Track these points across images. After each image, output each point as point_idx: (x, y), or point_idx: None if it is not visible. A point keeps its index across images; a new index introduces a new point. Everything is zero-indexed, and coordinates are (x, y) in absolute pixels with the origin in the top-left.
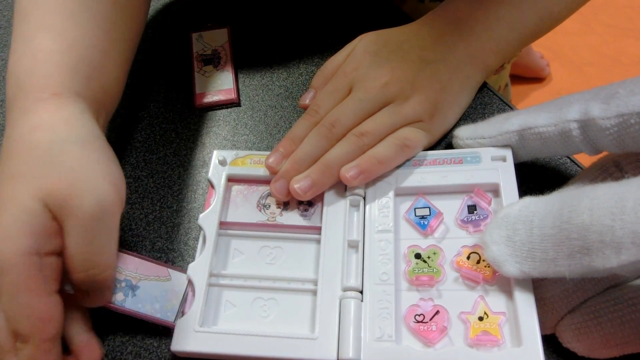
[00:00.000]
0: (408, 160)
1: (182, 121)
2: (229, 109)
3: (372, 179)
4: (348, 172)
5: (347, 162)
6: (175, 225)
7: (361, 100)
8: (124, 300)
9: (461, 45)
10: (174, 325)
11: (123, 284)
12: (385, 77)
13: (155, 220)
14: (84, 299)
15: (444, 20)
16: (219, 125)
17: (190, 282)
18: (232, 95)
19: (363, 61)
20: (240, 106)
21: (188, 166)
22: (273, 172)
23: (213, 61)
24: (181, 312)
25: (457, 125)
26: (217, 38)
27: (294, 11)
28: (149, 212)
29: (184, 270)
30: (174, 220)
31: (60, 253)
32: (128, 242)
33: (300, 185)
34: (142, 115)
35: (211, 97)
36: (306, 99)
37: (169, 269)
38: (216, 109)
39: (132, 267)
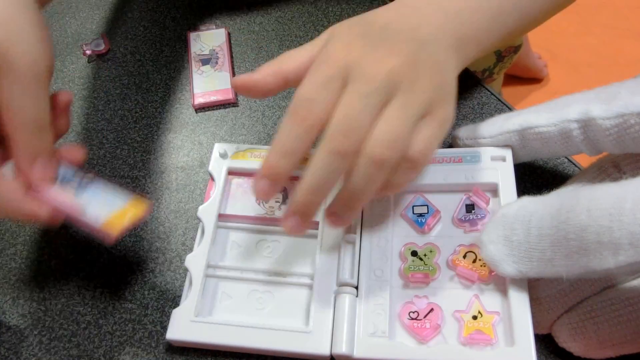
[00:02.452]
0: None
1: (179, 121)
2: (227, 109)
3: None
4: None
5: (373, 195)
6: (173, 226)
7: (367, 94)
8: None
9: (449, 28)
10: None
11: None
12: (388, 60)
13: (153, 220)
14: (29, 163)
15: (427, 1)
16: (216, 125)
17: (188, 273)
18: (230, 95)
19: (354, 44)
20: (237, 106)
21: (186, 166)
22: (266, 197)
23: (211, 61)
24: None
25: (456, 126)
26: (214, 38)
27: (292, 11)
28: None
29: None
30: (172, 221)
31: None
32: (125, 242)
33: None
34: (139, 115)
35: (209, 97)
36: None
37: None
38: (214, 109)
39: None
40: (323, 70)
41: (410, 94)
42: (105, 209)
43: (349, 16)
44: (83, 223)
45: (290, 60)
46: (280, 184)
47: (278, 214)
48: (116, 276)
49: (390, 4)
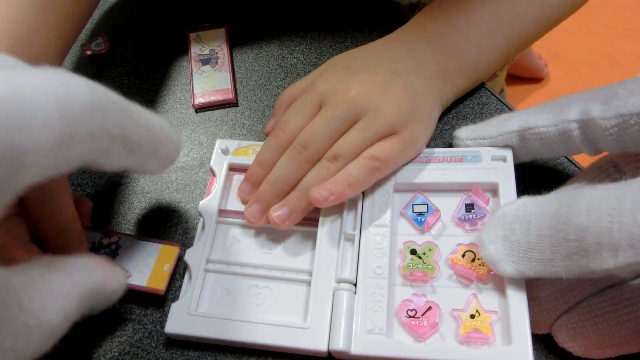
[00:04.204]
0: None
1: (179, 121)
2: (227, 109)
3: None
4: (319, 194)
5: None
6: (173, 226)
7: (330, 118)
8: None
9: (433, 60)
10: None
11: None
12: (353, 90)
13: (153, 220)
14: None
15: (415, 36)
16: (216, 126)
17: (187, 267)
18: (230, 95)
19: (333, 76)
20: (238, 106)
21: (186, 166)
22: (244, 201)
23: (211, 61)
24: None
25: (456, 126)
26: (214, 38)
27: (292, 11)
28: (147, 212)
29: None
30: (172, 221)
31: (19, 214)
32: None
33: (278, 214)
34: None
35: (209, 97)
36: (268, 126)
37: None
38: (214, 109)
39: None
40: (302, 99)
41: (372, 118)
42: (143, 267)
43: (347, 15)
44: (128, 286)
45: (294, 91)
46: (267, 208)
47: None
48: None
49: (384, 38)
